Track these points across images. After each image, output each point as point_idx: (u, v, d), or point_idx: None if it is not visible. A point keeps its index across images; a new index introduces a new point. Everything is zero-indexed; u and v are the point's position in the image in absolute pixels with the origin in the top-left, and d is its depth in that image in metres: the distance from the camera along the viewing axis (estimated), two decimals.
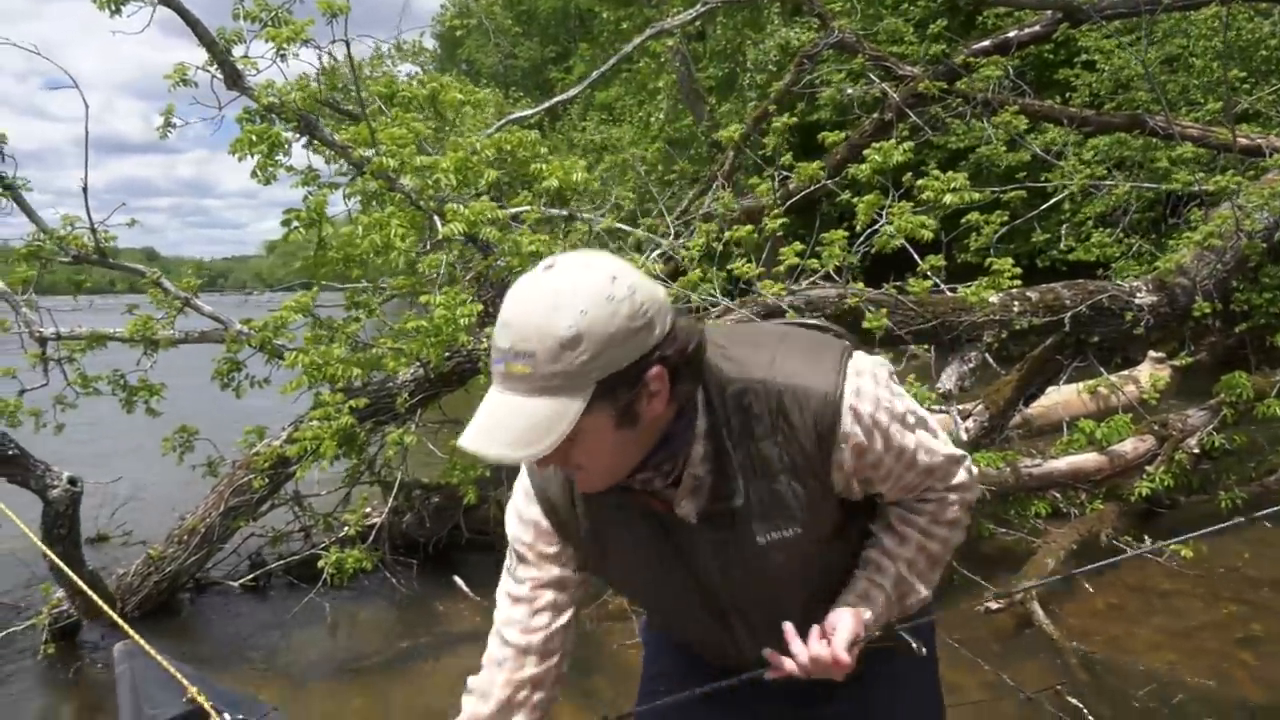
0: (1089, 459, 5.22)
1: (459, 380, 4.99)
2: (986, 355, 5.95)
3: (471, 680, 1.48)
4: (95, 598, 3.43)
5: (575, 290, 1.11)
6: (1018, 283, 5.66)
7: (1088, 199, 7.71)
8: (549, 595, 1.44)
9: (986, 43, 8.00)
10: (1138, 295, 5.63)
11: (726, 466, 1.29)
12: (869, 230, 5.31)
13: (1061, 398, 6.56)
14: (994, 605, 4.10)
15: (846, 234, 5.33)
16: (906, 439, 1.34)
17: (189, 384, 5.58)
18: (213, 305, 5.58)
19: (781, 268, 5.20)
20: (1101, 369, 5.94)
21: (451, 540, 5.29)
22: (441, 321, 4.25)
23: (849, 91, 8.75)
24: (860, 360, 1.34)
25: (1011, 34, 7.96)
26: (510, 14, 24.61)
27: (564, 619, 1.46)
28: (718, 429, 1.28)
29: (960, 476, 1.44)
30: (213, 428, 5.32)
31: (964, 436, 5.32)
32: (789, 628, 1.32)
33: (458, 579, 4.86)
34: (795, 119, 6.59)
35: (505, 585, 1.48)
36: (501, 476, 5.22)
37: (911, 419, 1.36)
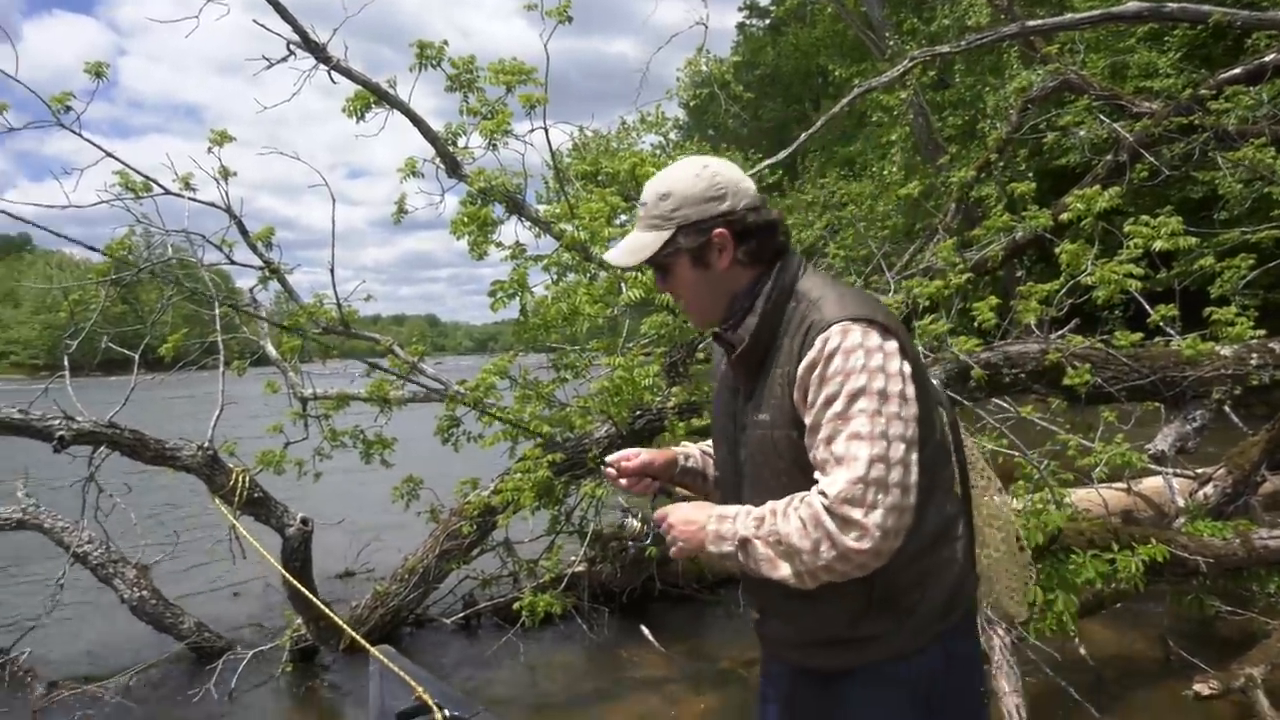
0: None
1: (649, 436, 5.22)
2: (1230, 412, 5.40)
3: None
4: (336, 618, 3.99)
5: (677, 169, 1.76)
6: (1260, 332, 5.15)
7: None
8: None
9: (1237, 70, 7.33)
10: None
11: (759, 344, 1.69)
12: (1069, 282, 5.03)
13: None
14: (1205, 690, 3.69)
15: (1059, 285, 5.10)
16: (842, 400, 1.53)
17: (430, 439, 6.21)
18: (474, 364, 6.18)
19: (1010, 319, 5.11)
20: None
21: (645, 591, 5.49)
22: (621, 382, 4.52)
23: (1080, 134, 8.27)
24: (881, 338, 1.56)
25: (1268, 58, 7.25)
26: (749, 78, 25.23)
27: None
28: (770, 314, 1.69)
29: (850, 512, 1.48)
30: (441, 479, 5.87)
31: (1196, 502, 4.85)
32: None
33: (644, 629, 5.05)
34: (1031, 166, 6.23)
35: None
36: None
37: (868, 400, 1.52)
